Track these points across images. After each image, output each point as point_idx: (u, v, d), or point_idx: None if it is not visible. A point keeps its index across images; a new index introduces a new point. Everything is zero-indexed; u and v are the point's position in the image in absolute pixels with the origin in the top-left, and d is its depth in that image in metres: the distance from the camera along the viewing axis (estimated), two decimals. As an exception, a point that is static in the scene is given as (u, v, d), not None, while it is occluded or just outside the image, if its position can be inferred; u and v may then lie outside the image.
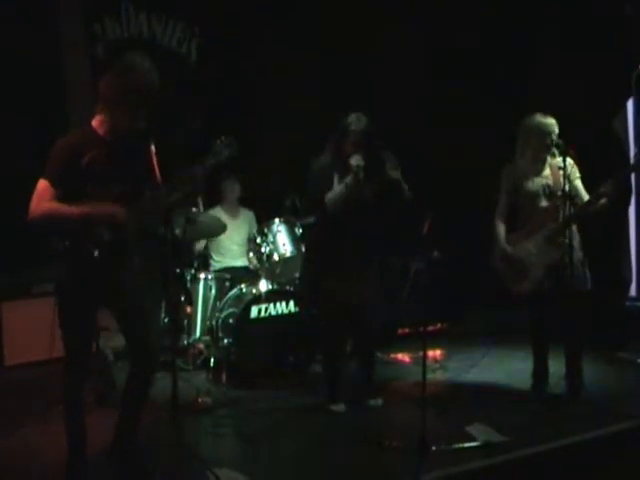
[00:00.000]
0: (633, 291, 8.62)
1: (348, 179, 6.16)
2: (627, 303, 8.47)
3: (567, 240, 6.14)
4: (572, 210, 6.18)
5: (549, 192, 6.41)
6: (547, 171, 6.47)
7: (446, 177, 9.27)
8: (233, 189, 8.72)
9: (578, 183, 6.40)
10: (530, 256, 6.40)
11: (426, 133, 9.35)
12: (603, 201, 6.12)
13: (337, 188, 6.23)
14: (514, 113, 6.74)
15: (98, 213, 4.71)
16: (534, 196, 6.45)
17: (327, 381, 6.58)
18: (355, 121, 6.25)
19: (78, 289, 4.75)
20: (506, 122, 6.94)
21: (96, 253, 4.70)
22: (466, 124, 9.28)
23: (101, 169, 4.76)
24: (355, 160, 6.15)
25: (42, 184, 4.71)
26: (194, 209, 7.46)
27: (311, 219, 7.24)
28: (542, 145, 6.40)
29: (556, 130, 6.35)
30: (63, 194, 4.69)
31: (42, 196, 4.68)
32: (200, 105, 9.26)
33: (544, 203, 6.43)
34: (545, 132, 6.36)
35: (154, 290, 5.50)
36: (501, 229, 6.58)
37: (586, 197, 6.30)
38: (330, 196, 6.23)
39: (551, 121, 6.37)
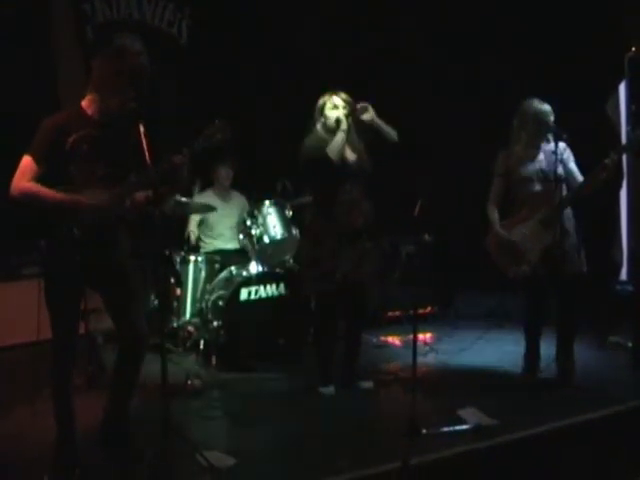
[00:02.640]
0: (624, 275, 8.62)
1: (343, 127, 6.35)
2: (618, 287, 8.47)
3: (560, 224, 6.14)
4: (566, 193, 6.20)
5: (543, 176, 6.40)
6: (541, 156, 6.46)
7: (437, 159, 9.27)
8: (228, 175, 8.68)
9: (572, 165, 6.40)
10: (525, 241, 6.39)
11: (419, 115, 9.33)
12: (604, 176, 6.07)
13: (335, 139, 6.33)
14: (507, 96, 6.72)
15: (77, 202, 4.69)
16: (528, 181, 6.44)
17: (319, 363, 6.57)
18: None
19: (63, 270, 4.73)
20: (499, 105, 6.93)
21: (78, 233, 4.68)
22: (458, 106, 9.26)
23: (87, 150, 4.74)
24: (340, 114, 6.41)
25: (26, 160, 4.69)
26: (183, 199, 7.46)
27: (303, 199, 7.24)
28: (538, 131, 6.40)
29: (552, 117, 6.35)
30: (46, 172, 4.67)
31: (25, 173, 4.66)
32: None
33: (538, 187, 6.42)
34: (542, 119, 6.35)
35: (141, 271, 5.49)
36: (495, 214, 6.57)
37: (581, 179, 6.30)
38: (331, 147, 6.31)
39: (547, 107, 6.37)
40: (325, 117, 6.46)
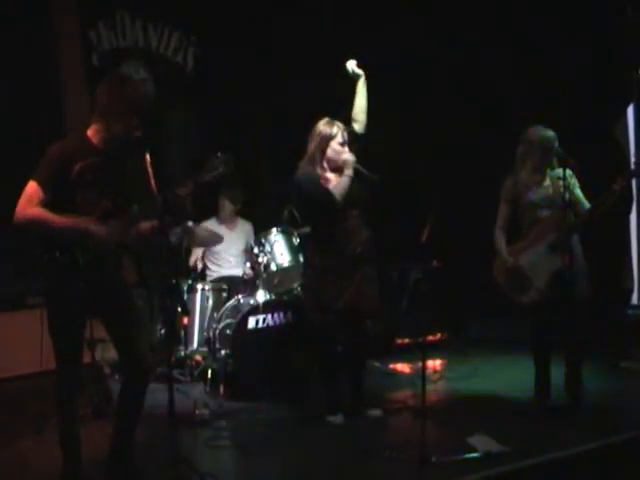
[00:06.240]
0: (635, 299, 8.57)
1: (348, 172, 6.27)
2: (629, 311, 8.43)
3: (569, 249, 6.10)
4: (574, 219, 6.15)
5: (550, 202, 6.37)
6: (547, 181, 6.44)
7: (446, 185, 9.23)
8: (228, 205, 8.61)
9: (578, 192, 6.37)
10: (533, 266, 6.35)
11: (425, 139, 9.32)
12: (613, 201, 6.03)
13: (342, 182, 6.27)
14: (515, 119, 6.70)
15: (81, 228, 4.67)
16: (535, 207, 6.41)
17: (326, 392, 6.52)
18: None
19: (66, 298, 4.71)
20: (506, 129, 6.91)
21: (81, 261, 4.66)
22: (466, 131, 9.24)
23: (92, 178, 4.73)
24: (349, 156, 6.31)
25: (32, 186, 4.66)
26: (190, 223, 7.45)
27: (308, 229, 7.20)
28: (543, 157, 6.38)
29: (556, 143, 6.33)
30: (52, 200, 4.65)
31: (31, 199, 4.64)
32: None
33: (545, 213, 6.39)
34: (546, 146, 6.34)
35: (148, 300, 5.48)
36: (502, 240, 6.54)
37: (587, 205, 6.26)
38: (338, 189, 6.26)
39: (552, 134, 6.36)
40: (331, 148, 6.35)
